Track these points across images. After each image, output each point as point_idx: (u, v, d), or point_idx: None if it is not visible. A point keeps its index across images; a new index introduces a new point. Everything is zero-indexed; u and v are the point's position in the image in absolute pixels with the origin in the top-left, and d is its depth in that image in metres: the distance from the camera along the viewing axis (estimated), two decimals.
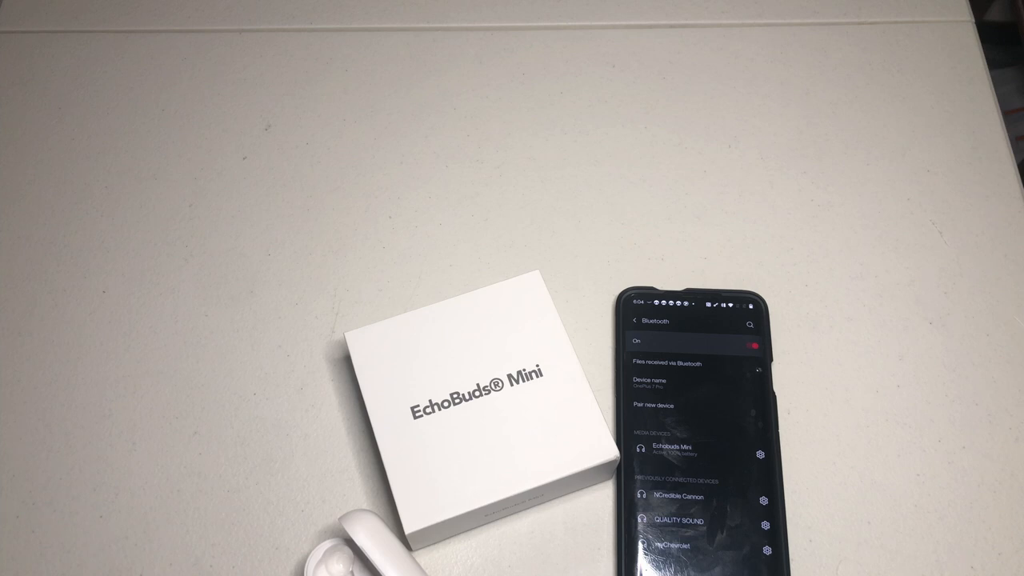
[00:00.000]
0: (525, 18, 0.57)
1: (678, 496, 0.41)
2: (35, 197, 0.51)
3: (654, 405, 0.43)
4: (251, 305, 0.48)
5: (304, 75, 0.56)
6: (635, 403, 0.43)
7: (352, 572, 0.38)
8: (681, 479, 0.41)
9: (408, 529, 0.38)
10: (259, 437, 0.44)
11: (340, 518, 0.37)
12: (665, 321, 0.45)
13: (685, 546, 0.40)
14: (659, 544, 0.40)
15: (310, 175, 0.52)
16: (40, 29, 0.58)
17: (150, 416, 0.45)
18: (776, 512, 0.40)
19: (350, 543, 0.40)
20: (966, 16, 0.57)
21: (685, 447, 0.42)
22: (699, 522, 0.40)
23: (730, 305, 0.46)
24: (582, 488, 0.42)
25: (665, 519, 0.40)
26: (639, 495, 0.41)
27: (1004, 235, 0.49)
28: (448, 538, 0.41)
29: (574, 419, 0.40)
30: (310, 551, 0.40)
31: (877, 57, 0.55)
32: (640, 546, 0.40)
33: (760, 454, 0.42)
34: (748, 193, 0.50)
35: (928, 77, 0.54)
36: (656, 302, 0.46)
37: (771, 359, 0.44)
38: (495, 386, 0.41)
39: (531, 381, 0.41)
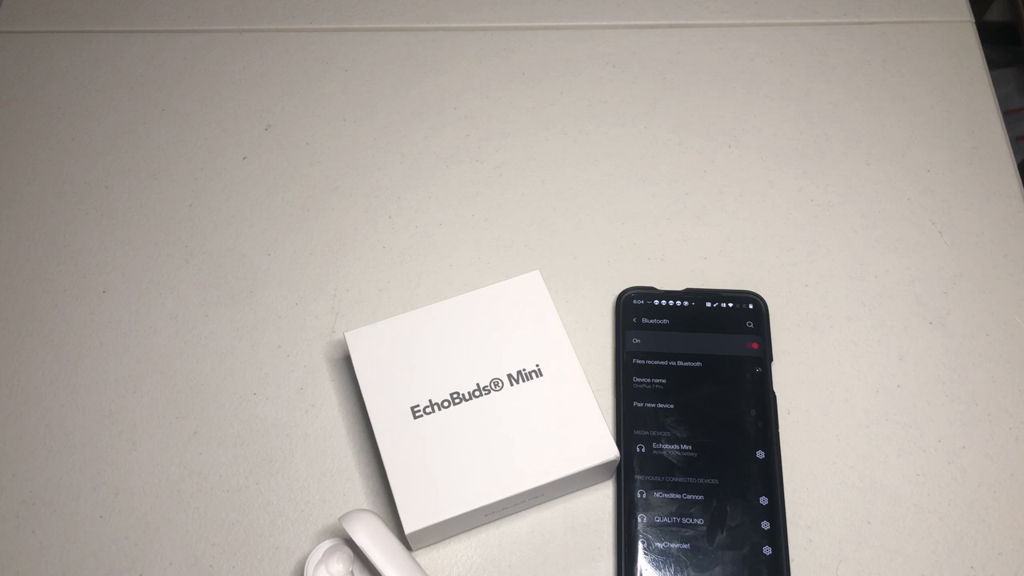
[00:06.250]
0: (525, 18, 0.57)
1: (678, 496, 0.41)
2: (35, 197, 0.51)
3: (654, 405, 0.43)
4: (251, 305, 0.48)
5: (304, 75, 0.55)
6: (635, 403, 0.43)
7: (352, 572, 0.38)
8: (681, 479, 0.41)
9: (408, 529, 0.38)
10: (259, 437, 0.44)
11: (340, 518, 0.37)
12: (665, 321, 0.45)
13: (685, 546, 0.40)
14: (659, 544, 0.40)
15: (310, 175, 0.52)
16: (40, 29, 0.58)
17: (150, 416, 0.45)
18: (776, 512, 0.40)
19: (350, 543, 0.40)
20: (966, 16, 0.57)
21: (685, 447, 0.42)
22: (699, 522, 0.40)
23: (730, 305, 0.46)
24: (582, 488, 0.42)
25: (665, 519, 0.40)
26: (639, 495, 0.41)
27: (1004, 235, 0.49)
28: (448, 538, 0.41)
29: (574, 419, 0.40)
30: (310, 551, 0.40)
31: (877, 57, 0.55)
32: (640, 546, 0.40)
33: (760, 454, 0.42)
34: (748, 193, 0.50)
35: (928, 77, 0.54)
36: (656, 302, 0.46)
37: (771, 359, 0.44)
38: (495, 386, 0.41)
39: (531, 381, 0.41)
